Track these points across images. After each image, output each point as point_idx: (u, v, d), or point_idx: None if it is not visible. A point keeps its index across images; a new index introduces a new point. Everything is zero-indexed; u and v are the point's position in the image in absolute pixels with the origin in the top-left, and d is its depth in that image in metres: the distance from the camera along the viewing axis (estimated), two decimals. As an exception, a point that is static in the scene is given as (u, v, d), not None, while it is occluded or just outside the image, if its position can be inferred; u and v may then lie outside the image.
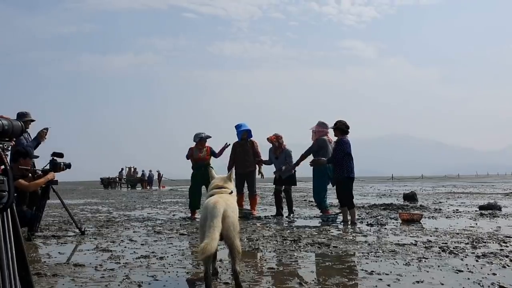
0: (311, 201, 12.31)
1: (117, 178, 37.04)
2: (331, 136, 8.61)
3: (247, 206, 9.67)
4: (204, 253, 2.99)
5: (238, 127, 9.32)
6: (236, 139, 9.33)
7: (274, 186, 9.49)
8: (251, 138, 9.31)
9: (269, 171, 9.56)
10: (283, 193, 9.27)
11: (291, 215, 8.95)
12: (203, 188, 8.76)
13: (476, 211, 9.62)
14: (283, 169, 9.01)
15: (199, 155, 9.04)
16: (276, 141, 9.23)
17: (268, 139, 9.33)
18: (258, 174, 9.31)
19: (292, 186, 9.41)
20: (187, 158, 9.23)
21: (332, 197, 12.07)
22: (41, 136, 6.61)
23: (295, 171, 9.15)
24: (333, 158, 7.81)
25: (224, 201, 3.40)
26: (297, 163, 8.90)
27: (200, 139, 9.00)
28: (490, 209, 9.59)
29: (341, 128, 7.83)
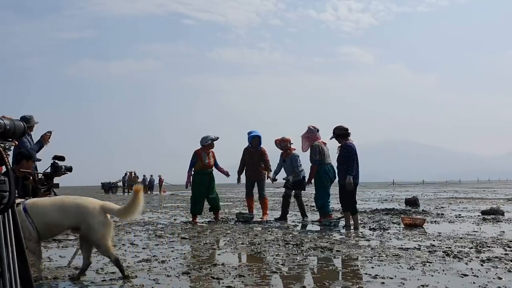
0: (313, 206, 12.25)
1: (121, 182, 36.69)
2: (324, 139, 8.56)
3: (257, 209, 9.68)
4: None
5: (249, 133, 9.31)
6: (247, 144, 9.29)
7: (282, 189, 9.51)
8: (261, 146, 9.22)
9: (279, 175, 9.50)
10: (292, 198, 9.24)
11: (305, 218, 9.00)
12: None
13: (478, 216, 9.56)
14: (290, 179, 8.95)
15: (208, 161, 8.92)
16: (279, 144, 9.14)
17: (275, 141, 9.25)
18: (267, 179, 9.29)
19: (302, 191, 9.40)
20: (192, 165, 8.99)
21: (334, 202, 12.01)
22: (44, 139, 6.58)
23: (304, 176, 9.09)
24: (341, 164, 7.62)
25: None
26: (310, 179, 8.67)
27: (209, 144, 8.91)
28: (493, 214, 9.52)
29: (341, 134, 7.75)
